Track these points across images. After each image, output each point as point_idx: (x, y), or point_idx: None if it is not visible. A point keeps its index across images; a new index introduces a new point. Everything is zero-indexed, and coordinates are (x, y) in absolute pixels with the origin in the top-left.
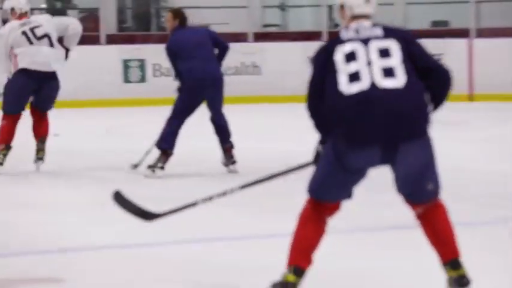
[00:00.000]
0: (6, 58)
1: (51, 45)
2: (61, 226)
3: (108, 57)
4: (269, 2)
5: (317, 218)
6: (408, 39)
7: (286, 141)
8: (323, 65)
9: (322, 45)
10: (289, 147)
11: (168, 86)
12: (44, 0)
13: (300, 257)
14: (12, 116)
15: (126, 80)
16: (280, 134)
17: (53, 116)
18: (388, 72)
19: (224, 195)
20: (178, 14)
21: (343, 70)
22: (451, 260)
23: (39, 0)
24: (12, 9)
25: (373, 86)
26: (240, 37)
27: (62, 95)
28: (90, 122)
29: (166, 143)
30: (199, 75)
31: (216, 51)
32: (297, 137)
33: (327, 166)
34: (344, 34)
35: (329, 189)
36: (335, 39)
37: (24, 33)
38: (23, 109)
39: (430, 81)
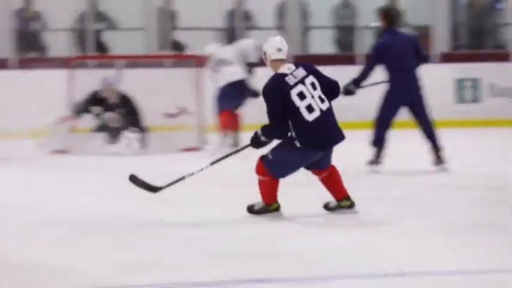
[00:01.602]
0: None
1: None
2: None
3: (441, 77)
4: None
5: (274, 182)
6: (315, 70)
7: None
8: (283, 102)
9: (274, 87)
10: None
11: (504, 107)
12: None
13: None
14: None
15: (460, 100)
16: None
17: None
18: (321, 100)
19: (202, 170)
20: (387, 15)
21: (301, 106)
22: (345, 196)
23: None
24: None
25: (321, 111)
26: None
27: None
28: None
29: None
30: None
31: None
32: None
33: (291, 162)
34: (288, 80)
35: (286, 173)
36: (284, 83)
37: None
38: None
39: (330, 94)
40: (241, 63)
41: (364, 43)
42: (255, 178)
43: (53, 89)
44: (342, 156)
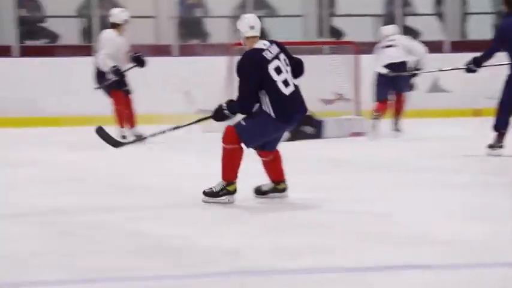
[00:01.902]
0: None
1: None
2: None
3: None
4: None
5: (242, 153)
6: (284, 48)
7: None
8: (260, 76)
9: (252, 61)
10: None
11: None
12: None
13: (233, 172)
14: None
15: None
16: None
17: None
18: (293, 75)
19: (164, 133)
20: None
21: (278, 80)
22: (281, 180)
23: None
24: None
25: (294, 86)
26: None
27: None
28: None
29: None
30: None
31: None
32: None
33: (264, 132)
34: (265, 55)
35: (256, 141)
36: (262, 58)
37: None
38: None
39: (296, 71)
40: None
41: None
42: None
43: (214, 76)
44: None
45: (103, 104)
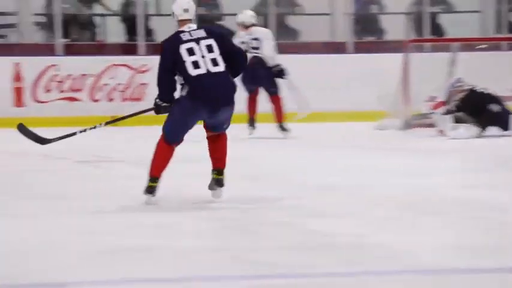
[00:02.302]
0: None
1: None
2: None
3: None
4: None
5: (170, 150)
6: (220, 37)
7: None
8: (172, 56)
9: (167, 43)
10: None
11: None
12: None
13: (159, 168)
14: None
15: None
16: None
17: None
18: (215, 62)
19: (94, 128)
20: None
21: (187, 60)
22: (219, 168)
23: None
24: None
25: (208, 71)
26: None
27: None
28: None
29: None
30: None
31: None
32: None
33: (180, 119)
34: (183, 36)
35: (176, 132)
36: (178, 38)
37: None
38: None
39: (234, 61)
40: None
41: None
42: None
43: (390, 72)
44: None
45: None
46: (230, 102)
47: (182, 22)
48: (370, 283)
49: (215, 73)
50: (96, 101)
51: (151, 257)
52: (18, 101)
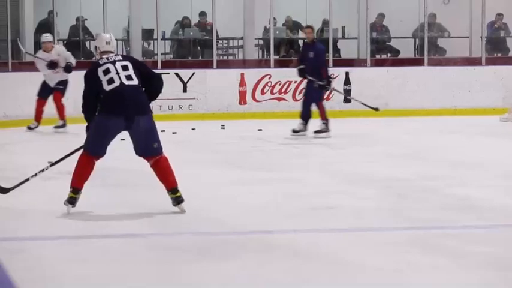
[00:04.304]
0: None
1: None
2: None
3: None
4: None
5: (90, 162)
6: (136, 61)
7: None
8: (92, 81)
9: (89, 70)
10: None
11: None
12: None
13: (80, 180)
14: None
15: None
16: None
17: None
18: (129, 78)
19: (43, 171)
20: None
21: (103, 79)
22: (172, 188)
23: None
24: None
25: (121, 83)
26: None
27: None
28: None
29: None
30: None
31: None
32: None
33: (97, 132)
34: (100, 61)
35: (93, 144)
36: (96, 64)
37: None
38: None
39: (151, 85)
40: None
41: None
42: None
43: None
44: None
45: None
46: (144, 111)
47: (103, 53)
48: (498, 236)
49: (128, 85)
50: (297, 100)
51: (334, 214)
52: (242, 100)
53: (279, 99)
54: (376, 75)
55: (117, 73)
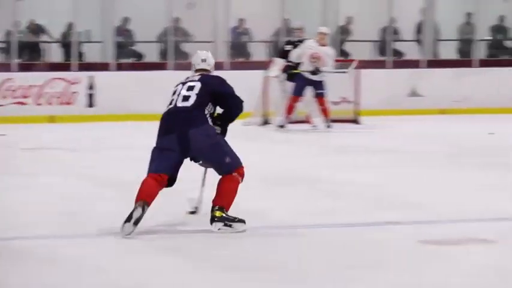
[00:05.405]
0: None
1: None
2: None
3: None
4: None
5: (151, 179)
6: (210, 82)
7: None
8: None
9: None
10: None
11: None
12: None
13: (141, 193)
14: None
15: None
16: None
17: None
18: (185, 98)
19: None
20: None
21: (169, 100)
22: (215, 204)
23: None
24: None
25: (175, 106)
26: None
27: None
28: None
29: None
30: None
31: None
32: None
33: (154, 151)
34: (180, 80)
35: (154, 165)
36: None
37: None
38: None
39: (226, 105)
40: None
41: None
42: None
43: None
44: None
45: None
46: (193, 125)
47: (197, 71)
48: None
49: (179, 107)
50: (39, 104)
51: None
52: None
53: (21, 103)
54: (120, 80)
55: (179, 94)
